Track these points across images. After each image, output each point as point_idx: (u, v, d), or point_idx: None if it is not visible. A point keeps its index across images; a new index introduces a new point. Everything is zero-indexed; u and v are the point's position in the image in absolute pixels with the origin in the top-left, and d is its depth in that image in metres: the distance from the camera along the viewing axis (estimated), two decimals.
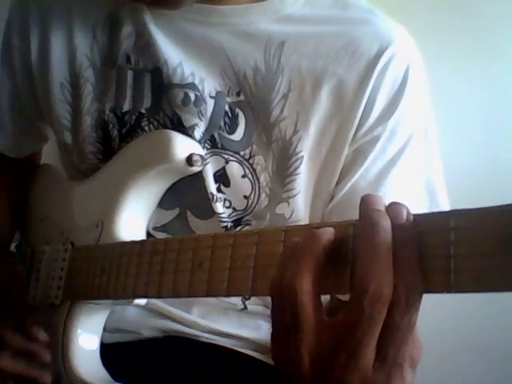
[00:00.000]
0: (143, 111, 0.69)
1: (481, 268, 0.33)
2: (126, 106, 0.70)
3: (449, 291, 0.34)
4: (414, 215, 0.37)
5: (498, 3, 1.07)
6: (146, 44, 0.69)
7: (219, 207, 0.68)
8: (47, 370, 0.65)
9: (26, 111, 0.81)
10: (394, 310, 0.35)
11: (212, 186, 0.67)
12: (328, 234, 0.39)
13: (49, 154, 0.83)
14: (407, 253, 0.36)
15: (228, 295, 0.48)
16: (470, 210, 0.34)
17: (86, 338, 0.65)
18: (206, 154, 0.67)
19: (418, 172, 0.67)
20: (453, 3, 1.08)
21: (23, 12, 0.75)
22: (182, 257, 0.52)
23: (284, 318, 0.38)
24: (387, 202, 0.63)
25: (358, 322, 0.35)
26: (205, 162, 0.66)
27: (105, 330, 0.68)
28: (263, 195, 0.68)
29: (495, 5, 1.07)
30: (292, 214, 0.68)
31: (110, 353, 0.67)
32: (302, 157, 0.66)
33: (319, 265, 0.38)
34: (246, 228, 0.69)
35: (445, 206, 0.67)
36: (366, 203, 0.38)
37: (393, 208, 0.37)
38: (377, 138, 0.66)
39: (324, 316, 0.38)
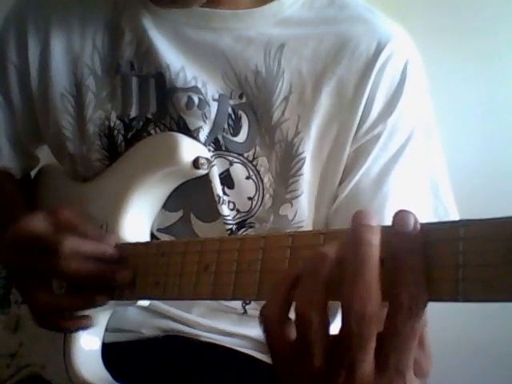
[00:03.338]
0: (150, 116, 0.70)
1: (489, 278, 0.33)
2: (133, 113, 0.70)
3: (456, 300, 0.34)
4: (422, 224, 0.37)
5: (498, 3, 1.07)
6: (147, 50, 0.70)
7: (225, 209, 0.68)
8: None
9: (21, 132, 0.80)
10: (396, 317, 0.35)
11: (219, 188, 0.67)
12: (331, 253, 0.38)
13: (49, 155, 0.83)
14: (412, 261, 0.35)
15: (234, 299, 0.48)
16: (479, 221, 0.34)
17: (88, 339, 0.65)
18: (210, 157, 0.67)
19: (421, 168, 0.68)
20: (453, 3, 1.08)
21: (19, 25, 0.75)
22: (187, 259, 0.52)
23: (287, 341, 0.38)
24: (391, 200, 0.64)
25: (348, 339, 0.35)
26: (211, 165, 0.66)
27: (106, 329, 0.68)
28: (267, 196, 0.68)
29: (496, 5, 1.07)
30: (295, 215, 0.68)
31: (110, 352, 0.67)
32: (305, 158, 0.67)
33: (326, 286, 0.37)
34: (250, 231, 0.69)
35: (449, 202, 0.68)
36: (355, 219, 0.37)
37: (399, 216, 0.37)
38: (378, 137, 0.66)
39: (329, 334, 0.38)
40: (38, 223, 0.61)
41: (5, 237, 0.63)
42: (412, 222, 0.36)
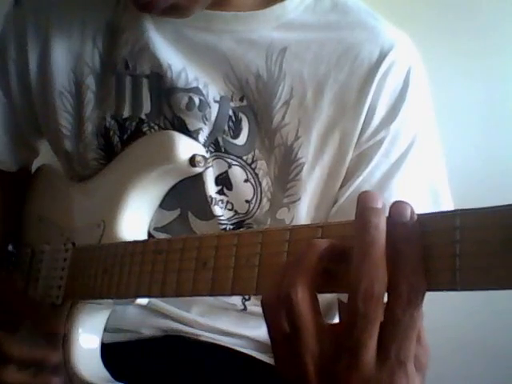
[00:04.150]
0: (143, 117, 0.70)
1: (486, 266, 0.33)
2: (126, 113, 0.70)
3: (454, 289, 0.34)
4: (419, 215, 0.37)
5: (498, 3, 1.08)
6: (141, 49, 0.69)
7: (218, 210, 0.68)
8: (57, 373, 0.64)
9: (21, 125, 0.80)
10: (396, 306, 0.35)
11: (211, 190, 0.67)
12: (324, 243, 0.39)
13: (49, 155, 0.83)
14: (410, 250, 0.36)
15: (233, 294, 0.48)
16: (475, 210, 0.35)
17: (87, 338, 0.65)
18: (209, 158, 0.67)
19: (422, 175, 0.68)
20: (453, 3, 1.09)
21: (20, 23, 0.75)
22: (185, 256, 0.52)
23: (282, 328, 0.38)
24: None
25: (353, 321, 0.36)
26: (207, 164, 0.66)
27: (105, 329, 0.68)
28: (265, 200, 0.68)
29: (496, 4, 1.08)
30: (292, 219, 0.68)
31: (110, 352, 0.67)
32: (303, 163, 0.67)
33: (314, 273, 0.38)
34: None
35: (449, 208, 0.68)
36: (361, 201, 0.38)
37: (396, 206, 0.38)
38: (380, 142, 0.66)
39: (323, 321, 0.38)
40: None
41: None
42: (409, 212, 0.37)
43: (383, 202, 0.38)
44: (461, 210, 0.36)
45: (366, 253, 0.36)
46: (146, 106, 0.70)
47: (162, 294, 0.54)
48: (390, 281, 0.36)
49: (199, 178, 0.67)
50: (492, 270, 0.33)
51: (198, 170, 0.65)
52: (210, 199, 0.68)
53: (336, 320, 0.71)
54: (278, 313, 0.38)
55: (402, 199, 0.64)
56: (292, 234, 0.44)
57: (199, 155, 0.64)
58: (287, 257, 0.44)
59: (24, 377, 0.63)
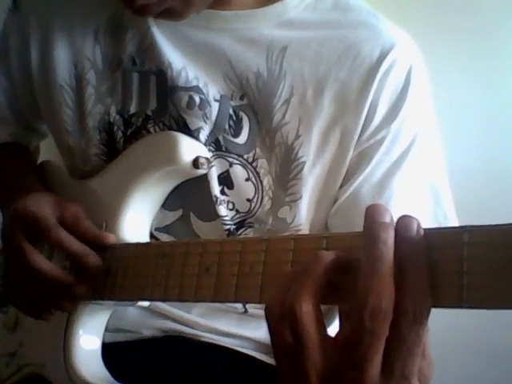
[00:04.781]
0: (149, 113, 0.69)
1: (493, 285, 0.33)
2: (133, 108, 0.70)
3: (460, 307, 0.34)
4: (426, 229, 0.37)
5: (499, 3, 1.07)
6: (149, 46, 0.69)
7: (222, 210, 0.68)
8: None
9: (25, 112, 0.81)
10: (401, 322, 0.35)
11: (216, 189, 0.67)
12: (331, 255, 0.39)
13: (49, 152, 0.83)
14: (416, 266, 0.36)
15: (236, 301, 0.48)
16: (484, 226, 0.34)
17: (88, 339, 0.65)
18: (210, 157, 0.67)
19: (422, 173, 0.68)
20: (453, 3, 1.08)
21: (22, 14, 0.74)
22: (188, 261, 0.52)
23: (286, 339, 0.38)
24: (392, 205, 0.64)
25: (359, 337, 0.35)
26: (210, 165, 0.66)
27: (106, 329, 0.68)
28: (266, 198, 0.68)
29: (496, 4, 1.07)
30: (294, 218, 0.68)
31: (110, 352, 0.67)
32: (304, 162, 0.66)
33: (319, 286, 0.38)
34: (249, 231, 0.69)
35: (449, 207, 0.68)
36: (369, 214, 0.38)
37: (403, 221, 0.37)
38: (381, 141, 0.66)
39: (327, 333, 0.38)
40: (44, 208, 0.64)
41: (12, 206, 0.65)
42: (415, 227, 0.36)
43: (391, 216, 0.37)
44: (469, 226, 0.35)
45: (374, 268, 0.35)
46: (153, 103, 0.69)
47: (164, 299, 0.54)
48: (396, 297, 0.35)
49: (204, 178, 0.67)
50: (500, 289, 0.33)
51: (201, 171, 0.65)
52: (214, 199, 0.67)
53: (336, 322, 0.71)
54: (281, 323, 0.38)
55: (403, 198, 0.65)
56: (296, 244, 0.44)
57: (202, 157, 0.64)
58: (291, 266, 0.44)
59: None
